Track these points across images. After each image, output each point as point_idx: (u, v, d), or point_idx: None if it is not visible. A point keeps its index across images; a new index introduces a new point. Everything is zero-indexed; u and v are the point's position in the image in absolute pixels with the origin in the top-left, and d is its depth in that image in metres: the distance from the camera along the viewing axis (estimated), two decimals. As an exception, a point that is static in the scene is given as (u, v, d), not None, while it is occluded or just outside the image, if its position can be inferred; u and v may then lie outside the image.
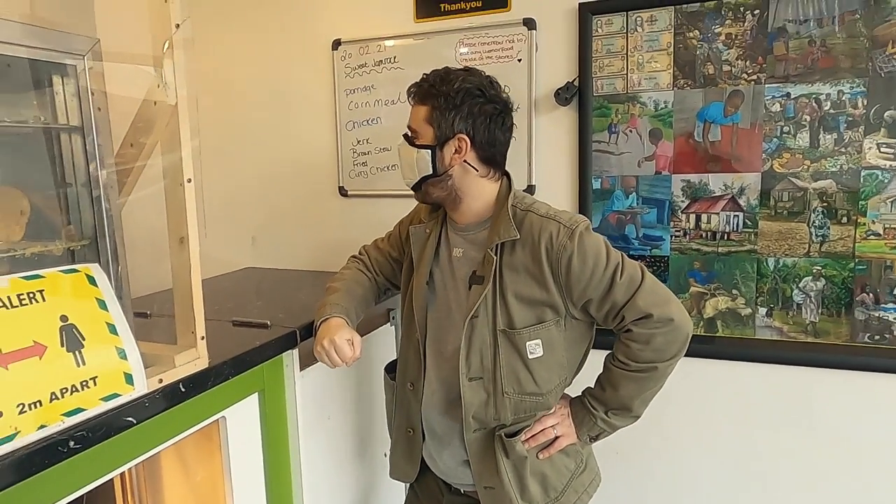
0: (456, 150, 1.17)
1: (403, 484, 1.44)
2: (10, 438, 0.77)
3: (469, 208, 1.22)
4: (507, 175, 1.25)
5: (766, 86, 1.55)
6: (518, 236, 1.15)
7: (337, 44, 1.97)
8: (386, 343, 1.70)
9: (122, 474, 1.35)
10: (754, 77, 1.56)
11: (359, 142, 2.00)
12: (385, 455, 1.63)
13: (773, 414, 1.66)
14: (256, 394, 1.23)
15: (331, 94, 2.01)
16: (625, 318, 1.12)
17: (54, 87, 0.97)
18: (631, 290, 1.11)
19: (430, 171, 1.19)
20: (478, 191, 1.21)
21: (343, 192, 2.05)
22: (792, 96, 1.53)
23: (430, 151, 1.17)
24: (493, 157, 1.20)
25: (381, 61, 1.93)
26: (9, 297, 0.81)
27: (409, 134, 1.20)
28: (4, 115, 0.96)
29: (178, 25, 0.98)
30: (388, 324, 1.72)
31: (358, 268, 1.43)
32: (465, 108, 1.15)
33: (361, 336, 1.54)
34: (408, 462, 1.34)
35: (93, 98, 0.99)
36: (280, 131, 2.11)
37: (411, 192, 1.26)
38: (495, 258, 1.15)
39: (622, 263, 1.13)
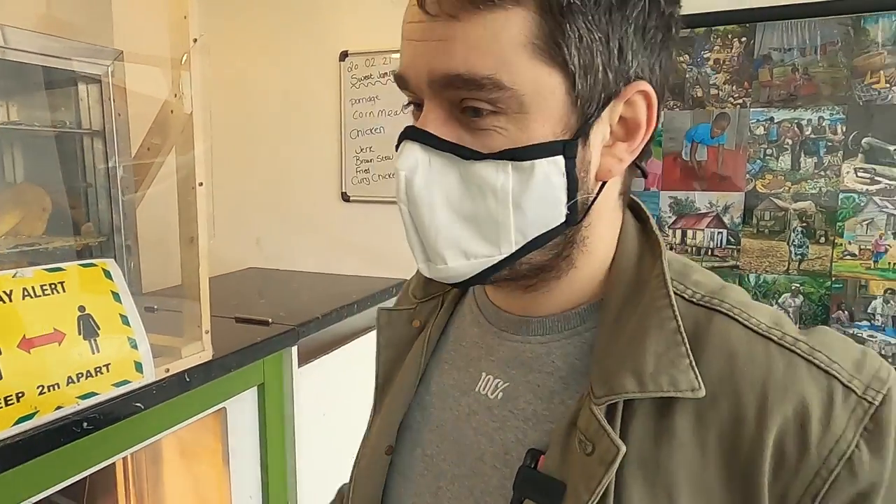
0: None
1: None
2: (30, 417, 0.84)
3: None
4: None
5: (752, 109, 1.63)
6: (702, 392, 0.43)
7: (344, 55, 2.05)
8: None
9: (124, 460, 1.41)
10: (740, 101, 1.63)
11: (362, 150, 2.07)
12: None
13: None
14: (256, 387, 1.30)
15: (337, 103, 2.08)
16: None
17: (79, 93, 1.05)
18: None
19: None
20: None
21: (345, 197, 2.12)
22: (775, 120, 1.61)
23: None
24: None
25: (385, 73, 2.01)
26: (33, 287, 0.88)
27: None
28: (32, 119, 1.04)
29: (195, 40, 1.06)
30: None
31: None
32: None
33: (354, 339, 1.61)
34: None
35: (114, 104, 1.06)
36: (288, 137, 2.19)
37: None
38: (611, 430, 0.44)
39: None
